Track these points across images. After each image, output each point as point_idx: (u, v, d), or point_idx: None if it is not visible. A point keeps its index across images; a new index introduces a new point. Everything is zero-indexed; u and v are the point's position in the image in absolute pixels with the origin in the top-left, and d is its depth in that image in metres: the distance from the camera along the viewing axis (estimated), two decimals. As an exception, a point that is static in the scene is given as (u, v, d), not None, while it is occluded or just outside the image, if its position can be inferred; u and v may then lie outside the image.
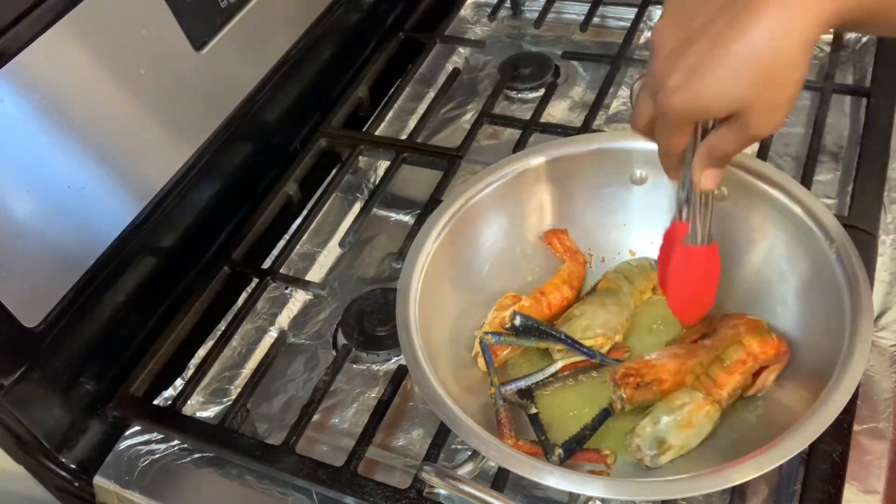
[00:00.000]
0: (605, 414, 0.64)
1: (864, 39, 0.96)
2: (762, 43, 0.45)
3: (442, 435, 0.66)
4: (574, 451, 0.61)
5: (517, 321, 0.66)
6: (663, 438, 0.61)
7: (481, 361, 0.69)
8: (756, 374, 0.64)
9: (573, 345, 0.67)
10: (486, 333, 0.68)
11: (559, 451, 0.61)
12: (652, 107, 0.52)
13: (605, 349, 0.69)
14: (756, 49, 0.46)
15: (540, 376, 0.67)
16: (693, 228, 0.61)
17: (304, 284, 0.82)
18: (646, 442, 0.61)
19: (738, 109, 0.48)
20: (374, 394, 0.75)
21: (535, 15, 1.06)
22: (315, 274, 0.87)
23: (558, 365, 0.67)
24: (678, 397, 0.62)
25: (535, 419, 0.65)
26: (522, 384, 0.67)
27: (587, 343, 0.67)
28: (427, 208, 0.82)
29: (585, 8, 1.05)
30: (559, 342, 0.67)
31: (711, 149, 0.53)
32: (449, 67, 1.06)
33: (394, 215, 0.91)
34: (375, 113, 0.98)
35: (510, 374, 0.70)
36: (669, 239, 0.65)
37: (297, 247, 0.85)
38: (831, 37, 0.94)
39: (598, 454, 0.62)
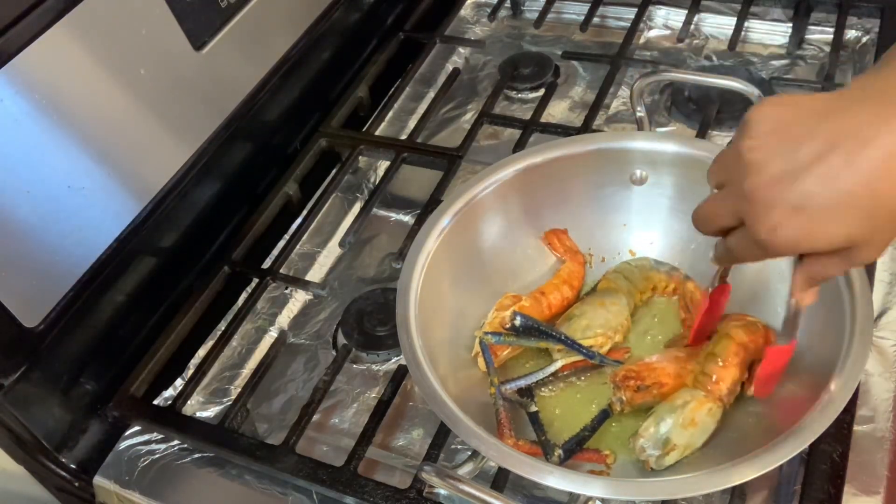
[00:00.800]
0: (605, 415, 0.64)
1: (864, 39, 0.96)
2: (880, 185, 0.43)
3: (442, 435, 0.66)
4: (574, 452, 0.61)
5: (517, 321, 0.66)
6: (667, 438, 0.60)
7: (481, 361, 0.69)
8: (752, 369, 0.65)
9: (572, 345, 0.67)
10: (486, 333, 0.68)
11: (559, 451, 0.61)
12: (731, 221, 0.50)
13: (604, 349, 0.69)
14: (874, 191, 0.43)
15: (540, 375, 0.67)
16: (790, 333, 0.59)
17: (304, 284, 0.82)
18: (650, 443, 0.61)
19: (848, 246, 0.46)
20: (374, 394, 0.75)
21: (535, 15, 1.06)
22: (315, 274, 0.87)
23: (558, 364, 0.67)
24: (680, 396, 0.62)
25: (535, 418, 0.65)
26: (522, 383, 0.67)
27: (587, 343, 0.68)
28: (427, 208, 0.82)
29: (585, 8, 1.05)
30: (559, 342, 0.67)
31: (814, 274, 0.51)
32: (449, 67, 1.06)
33: (394, 215, 0.91)
34: (375, 113, 0.98)
35: (510, 374, 0.70)
36: (716, 301, 0.66)
37: (297, 247, 0.85)
38: (831, 37, 0.94)
39: (598, 454, 0.62)
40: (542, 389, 0.68)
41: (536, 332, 0.67)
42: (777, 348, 0.62)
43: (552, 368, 0.67)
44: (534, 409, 0.66)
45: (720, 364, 0.63)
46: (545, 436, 0.63)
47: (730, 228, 0.51)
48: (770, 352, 0.62)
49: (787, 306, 0.58)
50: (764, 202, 0.46)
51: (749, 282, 0.70)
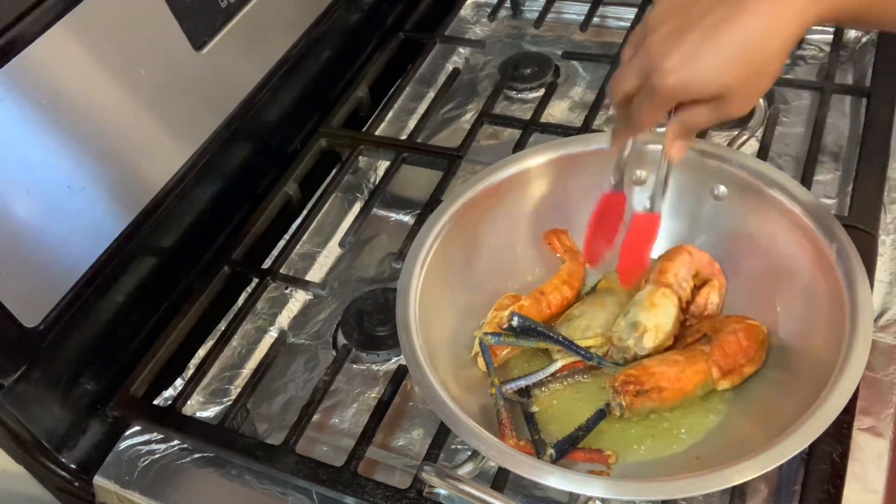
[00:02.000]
0: (601, 415, 0.63)
1: (864, 39, 0.96)
2: (754, 38, 0.52)
3: (442, 435, 0.66)
4: (566, 452, 0.61)
5: (514, 322, 0.66)
6: (636, 321, 0.66)
7: (481, 361, 0.69)
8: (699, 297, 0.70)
9: (570, 346, 0.67)
10: (486, 334, 0.68)
11: (551, 450, 0.61)
12: (635, 81, 0.57)
13: (603, 349, 0.69)
14: (748, 43, 0.52)
15: (540, 375, 0.67)
16: (653, 197, 0.66)
17: (304, 284, 0.82)
18: (623, 332, 0.66)
19: (721, 94, 0.54)
20: (374, 394, 0.75)
21: (535, 15, 1.06)
22: (315, 274, 0.87)
23: (558, 364, 0.67)
24: (636, 293, 0.68)
25: (530, 418, 0.65)
26: (522, 383, 0.67)
27: (587, 343, 0.68)
28: (427, 208, 0.82)
29: (585, 8, 1.05)
30: (557, 343, 0.67)
31: (685, 122, 0.58)
32: (449, 67, 1.06)
33: (394, 215, 0.91)
34: (375, 113, 0.98)
35: (510, 373, 0.70)
36: (606, 207, 0.69)
37: (297, 247, 0.85)
38: (831, 37, 0.94)
39: (600, 454, 0.62)
40: (542, 389, 0.68)
41: (534, 332, 0.67)
42: (643, 215, 0.66)
43: (552, 368, 0.67)
44: (535, 409, 0.66)
45: (666, 259, 0.70)
46: (539, 435, 0.63)
47: (633, 94, 0.58)
48: (636, 218, 0.67)
49: (657, 170, 0.65)
50: (659, 52, 0.54)
51: (749, 282, 0.70)
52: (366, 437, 0.67)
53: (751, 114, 0.76)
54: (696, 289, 0.71)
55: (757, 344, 0.66)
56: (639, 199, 0.73)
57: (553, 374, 0.68)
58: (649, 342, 0.66)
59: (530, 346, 0.69)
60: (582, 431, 0.63)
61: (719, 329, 0.67)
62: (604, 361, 0.68)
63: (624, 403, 0.63)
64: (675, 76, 0.53)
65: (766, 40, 0.52)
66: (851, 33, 0.97)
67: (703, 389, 0.65)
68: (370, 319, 0.78)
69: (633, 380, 0.63)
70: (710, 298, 0.70)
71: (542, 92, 0.96)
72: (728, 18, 0.52)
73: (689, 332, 0.69)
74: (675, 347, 0.68)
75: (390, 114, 0.99)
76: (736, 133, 0.77)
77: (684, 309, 0.69)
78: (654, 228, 0.67)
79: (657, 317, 0.67)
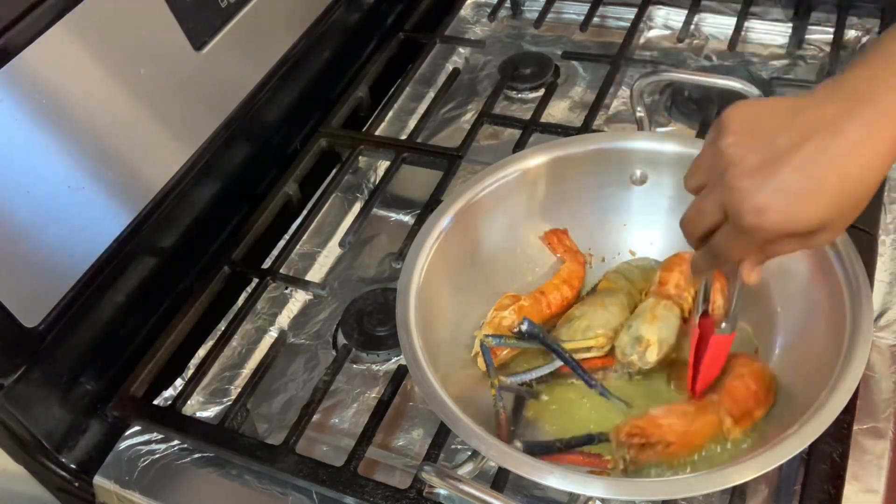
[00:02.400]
0: (588, 439, 0.63)
1: (864, 39, 0.96)
2: (853, 174, 0.47)
3: (442, 435, 0.66)
4: (535, 454, 0.60)
5: (524, 327, 0.66)
6: (639, 335, 0.66)
7: (481, 361, 0.69)
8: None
9: (575, 367, 0.66)
10: (487, 336, 0.68)
11: (520, 443, 0.60)
12: (716, 218, 0.52)
13: (605, 349, 0.68)
14: (847, 179, 0.47)
15: (540, 372, 0.67)
16: (731, 318, 0.62)
17: (304, 284, 0.82)
18: (626, 346, 0.66)
19: (817, 230, 0.49)
20: (374, 394, 0.75)
21: (535, 15, 1.06)
22: (315, 274, 0.87)
23: (558, 363, 0.67)
24: (639, 307, 0.69)
25: (519, 406, 0.65)
26: (524, 378, 0.67)
27: (587, 343, 0.67)
28: (427, 208, 0.82)
29: (585, 8, 1.05)
30: (561, 359, 0.67)
31: (769, 253, 0.54)
32: (449, 67, 1.06)
33: (394, 215, 0.91)
34: (375, 113, 0.98)
35: (510, 371, 0.70)
36: (704, 336, 0.64)
37: (297, 247, 0.85)
38: (831, 37, 0.94)
39: (599, 460, 0.62)
40: (542, 387, 0.68)
41: (541, 342, 0.67)
42: (720, 337, 0.62)
43: (555, 365, 0.67)
44: (544, 397, 0.66)
45: (665, 270, 0.70)
46: (514, 427, 0.64)
47: (713, 231, 0.53)
48: (714, 340, 0.62)
49: (729, 291, 0.61)
50: (748, 189, 0.49)
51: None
52: (366, 437, 0.67)
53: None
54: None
55: (765, 387, 0.63)
56: (640, 199, 0.73)
57: (553, 374, 0.68)
58: (653, 356, 0.65)
59: (531, 347, 0.69)
60: (560, 445, 0.62)
61: (725, 370, 0.65)
62: (608, 394, 0.66)
63: (628, 458, 0.60)
64: (771, 215, 0.48)
65: (866, 174, 0.48)
66: (851, 33, 0.97)
67: (713, 442, 0.62)
68: (370, 319, 0.78)
69: (639, 432, 0.60)
70: (716, 302, 0.68)
71: (542, 92, 0.96)
72: (823, 153, 0.47)
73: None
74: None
75: (390, 114, 0.99)
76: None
77: (686, 319, 0.69)
78: (728, 347, 0.64)
79: (660, 330, 0.66)
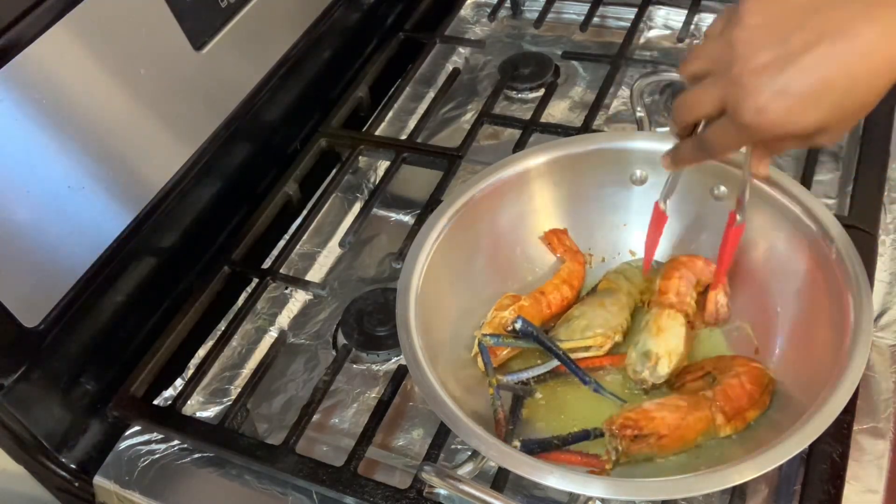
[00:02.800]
0: (584, 435, 0.63)
1: (864, 39, 0.96)
2: (861, 81, 0.47)
3: (442, 435, 0.66)
4: (533, 452, 0.60)
5: (518, 325, 0.66)
6: (647, 350, 0.65)
7: (481, 361, 0.69)
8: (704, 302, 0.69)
9: (570, 365, 0.66)
10: (485, 335, 0.68)
11: (517, 442, 0.61)
12: (714, 108, 0.52)
13: (604, 349, 0.69)
14: (854, 86, 0.47)
15: (537, 371, 0.67)
16: (743, 209, 0.64)
17: (304, 284, 0.82)
18: (636, 363, 0.65)
19: (817, 132, 0.50)
20: (374, 394, 0.75)
21: (535, 15, 1.06)
22: (315, 274, 0.87)
23: (555, 362, 0.67)
24: (641, 319, 0.69)
25: (517, 406, 0.65)
26: (522, 376, 0.67)
27: (586, 343, 0.68)
28: (427, 208, 0.82)
29: (585, 8, 1.05)
30: (556, 358, 0.67)
31: (773, 149, 0.55)
32: (449, 67, 1.06)
33: (394, 215, 0.91)
34: (375, 113, 0.98)
35: (510, 369, 0.70)
36: (659, 223, 0.69)
37: (297, 247, 0.85)
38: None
39: (597, 460, 0.62)
40: (540, 386, 0.68)
41: (535, 339, 0.67)
42: (733, 229, 0.65)
43: (553, 364, 0.67)
44: (538, 395, 0.66)
45: (663, 279, 0.70)
46: (513, 426, 0.63)
47: (707, 120, 0.54)
48: (736, 230, 0.65)
49: (741, 183, 0.63)
50: (753, 86, 0.48)
51: (749, 282, 0.70)
52: (366, 437, 0.67)
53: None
54: (701, 295, 0.70)
55: (761, 388, 0.63)
56: (640, 199, 0.73)
57: (551, 372, 0.68)
58: (664, 369, 0.65)
59: (529, 347, 0.69)
60: (557, 441, 0.62)
61: (723, 369, 0.65)
62: (602, 391, 0.66)
63: (620, 448, 0.60)
64: (770, 116, 0.48)
65: (875, 79, 0.47)
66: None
67: (704, 437, 0.62)
68: (370, 319, 0.78)
69: (632, 424, 0.60)
70: (719, 300, 0.69)
71: (542, 92, 0.96)
72: (834, 55, 0.47)
73: (692, 369, 0.67)
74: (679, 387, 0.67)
75: (390, 114, 0.99)
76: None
77: (691, 323, 0.68)
78: (738, 238, 0.66)
79: (668, 341, 0.66)
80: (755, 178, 0.59)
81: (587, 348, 0.68)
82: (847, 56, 0.47)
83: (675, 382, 0.67)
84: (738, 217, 0.64)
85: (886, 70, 0.47)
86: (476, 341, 0.69)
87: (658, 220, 0.70)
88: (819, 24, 0.47)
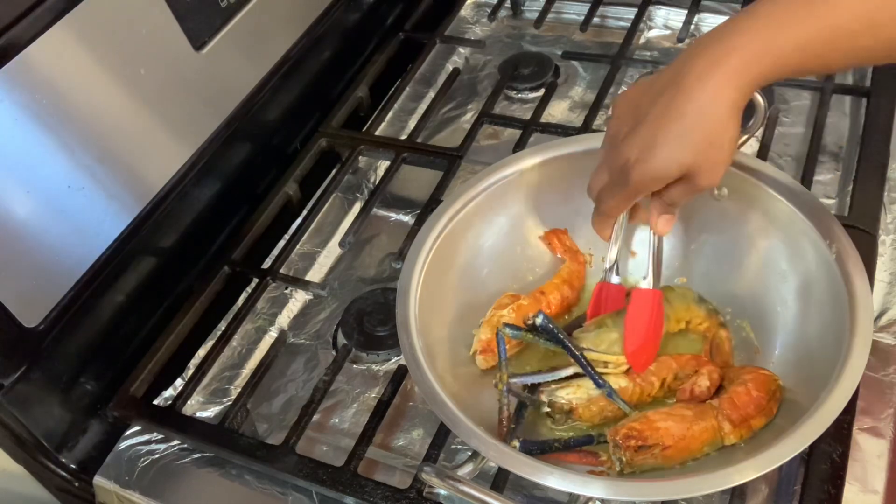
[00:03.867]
0: (587, 440, 0.63)
1: (864, 39, 0.96)
2: (696, 118, 0.54)
3: (442, 435, 0.66)
4: (532, 453, 0.60)
5: (539, 320, 0.64)
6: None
7: (480, 360, 0.69)
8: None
9: (586, 367, 0.64)
10: (505, 326, 0.66)
11: (517, 442, 0.60)
12: (607, 178, 0.61)
13: (622, 369, 0.66)
14: (693, 124, 0.54)
15: (550, 377, 0.66)
16: (652, 273, 0.69)
17: (304, 284, 0.82)
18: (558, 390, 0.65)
19: (685, 173, 0.56)
20: (374, 394, 0.75)
21: (535, 15, 1.06)
22: (315, 274, 0.87)
23: (569, 371, 0.65)
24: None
25: (521, 407, 0.65)
26: (531, 380, 0.66)
27: (607, 358, 0.65)
28: (427, 208, 0.82)
29: (585, 8, 1.05)
30: (573, 358, 0.64)
31: (664, 200, 0.61)
32: (449, 67, 1.06)
33: (394, 215, 0.91)
34: (375, 113, 0.98)
35: (519, 362, 0.70)
36: (601, 297, 0.71)
37: (297, 247, 0.85)
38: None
39: (595, 458, 0.61)
40: (541, 398, 0.67)
41: (554, 338, 0.64)
42: (642, 291, 0.68)
43: (565, 373, 0.65)
44: (546, 409, 0.65)
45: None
46: (514, 424, 0.63)
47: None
48: (635, 294, 0.68)
49: (648, 248, 0.69)
50: (620, 150, 0.58)
51: (749, 282, 0.70)
52: (366, 437, 0.67)
53: (751, 114, 0.76)
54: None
55: (768, 395, 0.62)
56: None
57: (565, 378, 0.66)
58: (563, 394, 0.64)
59: (546, 345, 0.67)
60: (558, 445, 0.62)
61: (732, 378, 0.64)
62: (615, 397, 0.64)
63: (624, 459, 0.59)
64: (638, 169, 0.56)
65: (708, 115, 0.54)
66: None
67: (710, 447, 0.61)
68: (370, 319, 0.78)
69: (636, 434, 0.59)
70: (699, 383, 0.65)
71: (542, 92, 0.96)
72: (669, 106, 0.55)
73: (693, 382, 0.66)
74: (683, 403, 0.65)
75: (390, 114, 0.99)
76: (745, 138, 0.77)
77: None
78: (658, 305, 0.68)
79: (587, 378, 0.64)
80: (657, 234, 0.65)
81: (606, 364, 0.65)
82: (678, 99, 0.54)
83: (680, 397, 0.66)
84: (644, 281, 0.69)
85: (721, 94, 0.53)
86: (476, 339, 0.69)
87: (611, 297, 0.71)
88: (659, 85, 0.56)
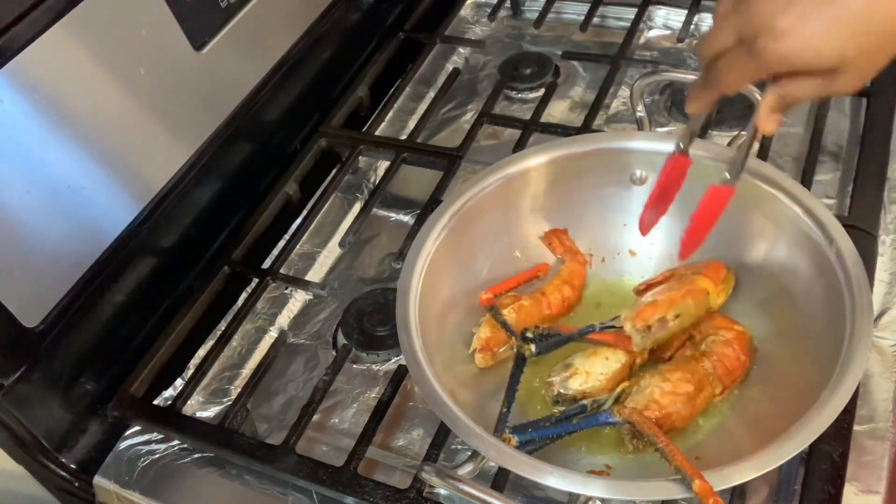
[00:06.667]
0: (580, 409, 0.63)
1: (864, 39, 0.96)
2: (877, 7, 0.45)
3: (442, 435, 0.66)
4: (527, 440, 0.60)
5: (531, 343, 0.66)
6: (570, 363, 0.66)
7: (479, 359, 0.69)
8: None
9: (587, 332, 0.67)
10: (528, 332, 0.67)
11: (508, 434, 0.60)
12: (732, 39, 0.50)
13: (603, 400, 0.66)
14: (877, 11, 0.45)
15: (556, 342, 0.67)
16: (735, 170, 0.60)
17: (304, 284, 0.82)
18: (556, 371, 0.66)
19: (835, 67, 0.47)
20: (374, 394, 0.75)
21: (535, 15, 1.06)
22: (315, 274, 0.87)
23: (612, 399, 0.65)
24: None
25: (515, 379, 0.65)
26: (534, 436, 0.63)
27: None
28: (427, 208, 0.82)
29: (585, 8, 1.05)
30: (576, 339, 0.67)
31: (786, 96, 0.51)
32: (449, 67, 1.06)
33: (394, 215, 0.91)
34: (375, 113, 0.98)
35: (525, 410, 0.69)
36: (672, 171, 0.64)
37: (297, 247, 0.85)
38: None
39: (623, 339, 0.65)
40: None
41: (551, 339, 0.67)
42: (718, 188, 0.60)
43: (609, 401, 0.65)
44: (554, 398, 0.65)
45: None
46: (507, 409, 0.63)
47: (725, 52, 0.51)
48: (710, 191, 0.60)
49: (744, 142, 0.59)
50: (770, 10, 0.46)
51: (749, 281, 0.70)
52: (366, 437, 0.67)
53: (751, 113, 0.76)
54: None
55: (749, 353, 0.66)
56: (640, 199, 0.73)
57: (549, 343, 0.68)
58: (574, 385, 0.65)
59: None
60: (547, 423, 0.61)
61: (706, 331, 0.67)
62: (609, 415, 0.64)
63: (639, 447, 0.62)
64: (788, 42, 0.46)
65: (892, 7, 0.45)
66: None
67: (703, 415, 0.65)
68: (370, 319, 0.78)
69: (650, 427, 0.60)
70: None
71: (542, 92, 0.96)
72: None
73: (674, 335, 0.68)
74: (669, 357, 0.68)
75: (390, 114, 0.99)
76: (736, 133, 0.77)
77: (632, 368, 0.68)
78: (726, 202, 0.61)
79: (593, 365, 0.66)
80: (761, 131, 0.55)
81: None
82: None
83: (663, 354, 0.68)
84: (727, 177, 0.60)
85: None
86: (476, 338, 0.69)
87: (676, 168, 0.64)
88: None
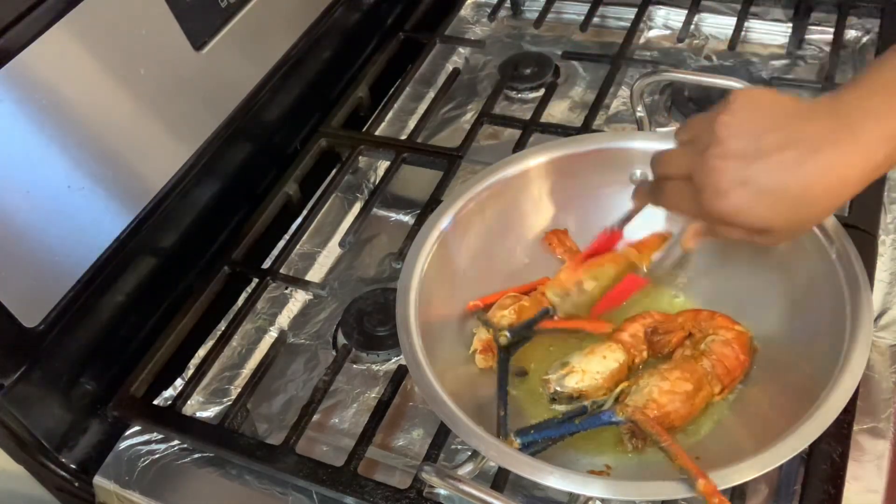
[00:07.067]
0: (581, 410, 0.63)
1: (864, 39, 0.96)
2: (818, 192, 0.50)
3: (442, 435, 0.66)
4: (528, 448, 0.60)
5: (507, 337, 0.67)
6: (567, 361, 0.66)
7: (479, 359, 0.69)
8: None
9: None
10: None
11: (513, 438, 0.60)
12: (681, 172, 0.55)
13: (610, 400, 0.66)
14: (810, 196, 0.50)
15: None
16: (655, 267, 0.71)
17: (304, 284, 0.82)
18: (553, 369, 0.66)
19: (764, 230, 0.53)
20: (374, 394, 0.75)
21: (535, 15, 1.06)
22: (315, 274, 0.87)
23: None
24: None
25: (503, 393, 0.65)
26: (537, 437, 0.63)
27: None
28: (427, 208, 0.82)
29: (585, 8, 1.05)
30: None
31: (714, 232, 0.57)
32: (449, 67, 1.06)
33: (394, 215, 0.91)
34: (375, 113, 0.98)
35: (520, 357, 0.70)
36: (606, 245, 0.72)
37: (297, 247, 0.85)
38: (831, 37, 0.94)
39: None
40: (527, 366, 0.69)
41: (528, 328, 0.69)
42: (635, 277, 0.71)
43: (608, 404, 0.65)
44: (551, 396, 0.66)
45: (629, 321, 0.69)
46: (505, 412, 0.63)
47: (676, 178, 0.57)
48: (629, 278, 0.70)
49: (668, 249, 0.70)
50: (718, 170, 0.51)
51: (749, 282, 0.70)
52: (366, 437, 0.67)
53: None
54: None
55: (749, 353, 0.66)
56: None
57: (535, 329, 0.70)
58: (571, 383, 0.64)
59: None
60: (548, 424, 0.62)
61: (704, 329, 0.67)
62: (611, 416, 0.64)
63: (638, 446, 0.62)
64: (727, 203, 0.51)
65: (828, 197, 0.50)
66: (851, 33, 0.97)
67: (704, 414, 0.65)
68: (370, 319, 0.78)
69: (650, 425, 0.60)
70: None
71: (542, 92, 0.96)
72: (798, 165, 0.49)
73: (670, 328, 0.68)
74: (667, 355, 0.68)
75: (390, 114, 0.99)
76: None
77: (629, 365, 0.68)
78: (637, 290, 0.71)
79: (590, 363, 0.65)
80: (683, 249, 0.64)
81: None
82: (807, 168, 0.49)
83: (660, 350, 0.68)
84: (645, 270, 0.71)
85: (839, 191, 0.50)
86: (476, 338, 0.69)
87: (608, 243, 0.72)
88: (793, 131, 0.50)
